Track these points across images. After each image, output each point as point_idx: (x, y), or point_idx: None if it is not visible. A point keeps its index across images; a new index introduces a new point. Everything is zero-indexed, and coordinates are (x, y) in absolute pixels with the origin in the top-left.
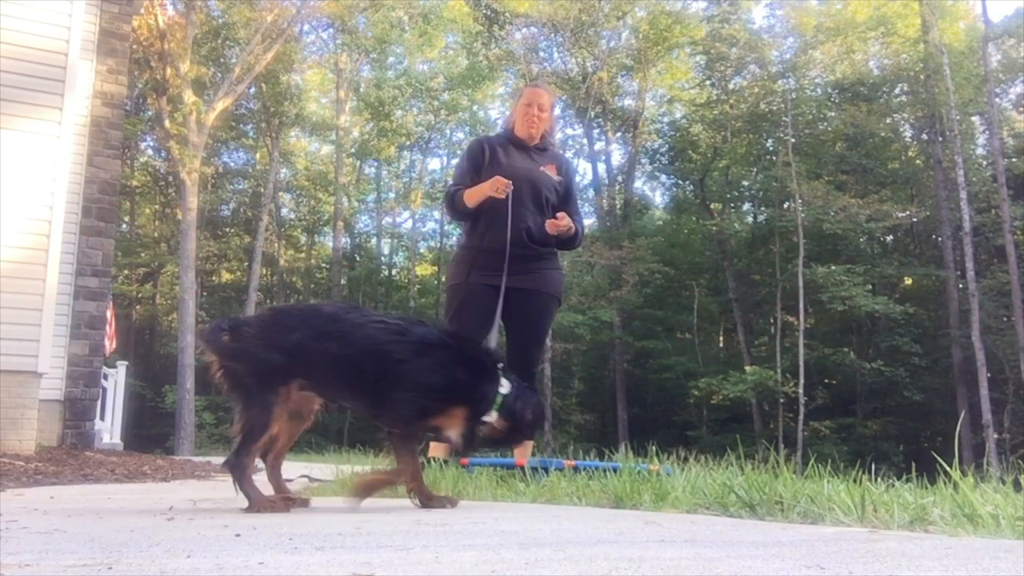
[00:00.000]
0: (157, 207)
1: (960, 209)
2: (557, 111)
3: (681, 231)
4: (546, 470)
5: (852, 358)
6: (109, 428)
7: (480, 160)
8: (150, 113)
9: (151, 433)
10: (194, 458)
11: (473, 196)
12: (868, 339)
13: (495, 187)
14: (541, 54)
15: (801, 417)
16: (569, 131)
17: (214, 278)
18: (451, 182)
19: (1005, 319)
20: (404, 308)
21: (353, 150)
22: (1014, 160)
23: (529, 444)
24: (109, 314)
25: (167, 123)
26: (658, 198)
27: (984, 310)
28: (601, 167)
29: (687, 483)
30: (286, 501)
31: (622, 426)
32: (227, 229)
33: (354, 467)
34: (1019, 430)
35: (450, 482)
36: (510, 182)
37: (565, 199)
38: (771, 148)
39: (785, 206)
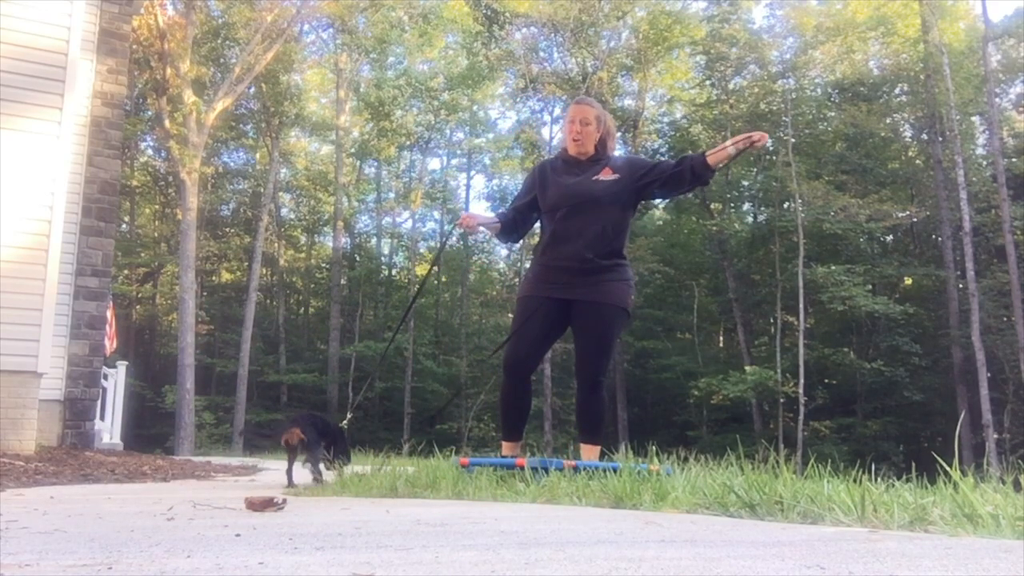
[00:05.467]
0: (157, 207)
1: (960, 209)
2: (611, 122)
3: (681, 231)
4: (546, 470)
5: (852, 358)
6: (109, 428)
7: (532, 183)
8: (150, 113)
9: (151, 433)
10: (194, 458)
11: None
12: (868, 339)
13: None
14: (541, 54)
15: (801, 417)
16: None
17: (214, 278)
18: None
19: (1005, 319)
20: (404, 308)
21: (353, 150)
22: (1014, 160)
23: (596, 449)
24: (109, 314)
25: (167, 123)
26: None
27: (984, 310)
28: None
29: (687, 483)
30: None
31: (622, 426)
32: (227, 229)
33: (354, 467)
34: (1019, 430)
35: (450, 482)
36: (461, 219)
37: (641, 172)
38: (771, 148)
39: (785, 206)
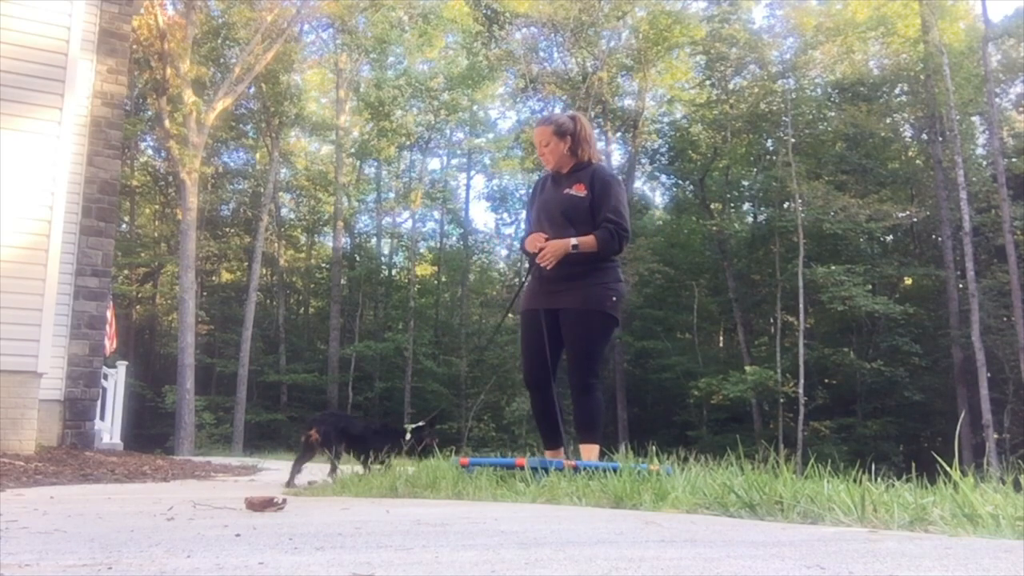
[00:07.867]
0: (157, 207)
1: (960, 209)
2: (586, 124)
3: (681, 231)
4: (546, 470)
5: (852, 358)
6: (109, 428)
7: (531, 200)
8: (150, 113)
9: (151, 433)
10: (194, 458)
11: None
12: (868, 339)
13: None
14: (541, 54)
15: (801, 417)
16: None
17: (214, 278)
18: None
19: (1005, 319)
20: (404, 308)
21: (353, 150)
22: (1014, 160)
23: (595, 448)
24: (109, 314)
25: (167, 123)
26: (658, 198)
27: (984, 310)
28: None
29: (687, 483)
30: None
31: (622, 426)
32: (227, 229)
33: (353, 467)
34: (1019, 430)
35: (450, 482)
36: (533, 240)
37: (592, 207)
38: (771, 148)
39: (785, 206)
